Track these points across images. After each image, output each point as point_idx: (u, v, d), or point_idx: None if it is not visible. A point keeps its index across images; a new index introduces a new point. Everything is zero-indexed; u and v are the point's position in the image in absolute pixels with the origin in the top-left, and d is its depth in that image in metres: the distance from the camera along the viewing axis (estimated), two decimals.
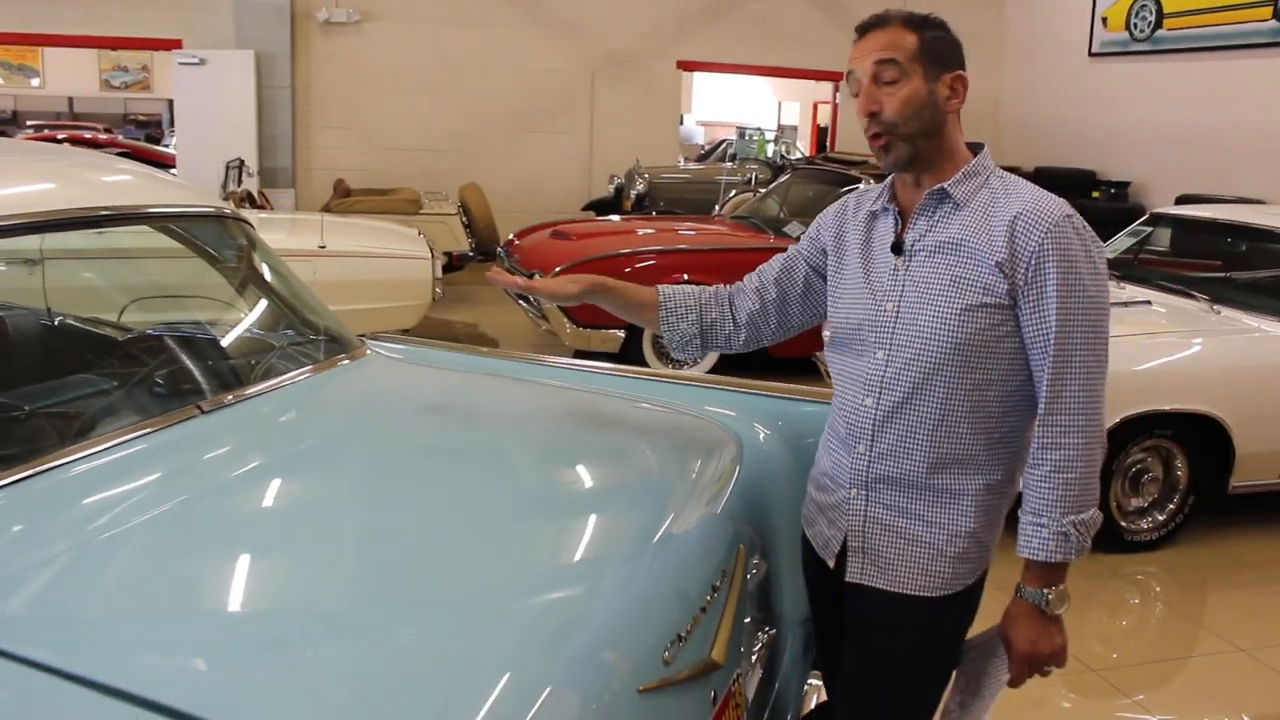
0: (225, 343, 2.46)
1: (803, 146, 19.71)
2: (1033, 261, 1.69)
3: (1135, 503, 4.55)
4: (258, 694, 1.18)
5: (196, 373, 2.21)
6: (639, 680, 1.40)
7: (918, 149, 1.77)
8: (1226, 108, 9.87)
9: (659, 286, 2.10)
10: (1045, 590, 1.74)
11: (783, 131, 20.80)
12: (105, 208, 2.36)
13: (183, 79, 10.91)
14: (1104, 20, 11.28)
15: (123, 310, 2.63)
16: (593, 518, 1.83)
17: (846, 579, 1.86)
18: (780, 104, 23.82)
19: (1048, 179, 10.61)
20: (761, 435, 2.35)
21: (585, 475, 2.05)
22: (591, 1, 11.93)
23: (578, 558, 1.67)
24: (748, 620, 1.97)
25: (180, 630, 1.32)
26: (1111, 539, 4.50)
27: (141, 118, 22.11)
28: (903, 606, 1.82)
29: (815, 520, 1.96)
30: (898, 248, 1.81)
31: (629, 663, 1.41)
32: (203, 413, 1.98)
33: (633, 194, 11.08)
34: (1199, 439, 4.47)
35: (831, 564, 1.90)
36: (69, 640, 1.26)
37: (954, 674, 1.92)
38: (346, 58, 11.30)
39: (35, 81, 21.65)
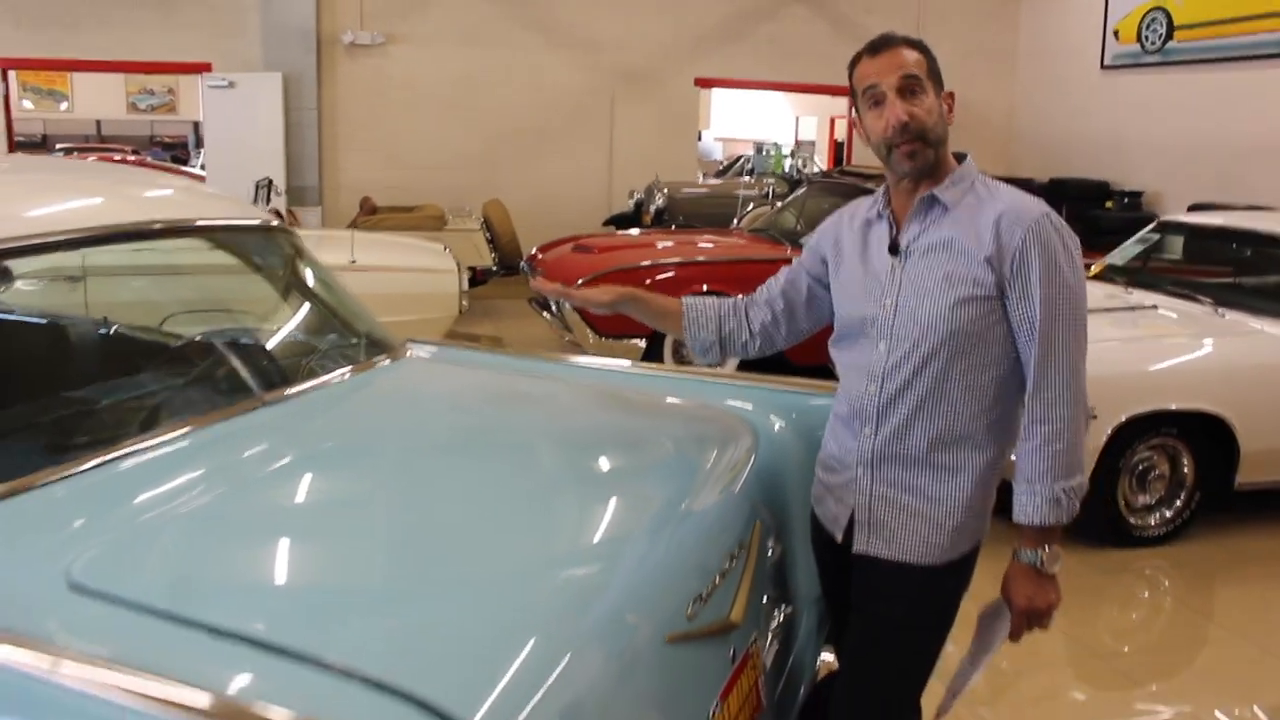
0: (284, 343, 2.66)
1: (820, 161, 19.86)
2: (1017, 255, 1.86)
3: (1143, 499, 4.66)
4: (330, 635, 1.35)
5: (257, 371, 2.40)
6: (666, 631, 1.57)
7: (937, 155, 1.94)
8: (1238, 117, 9.99)
9: (683, 298, 2.29)
10: (1039, 551, 1.91)
11: (800, 146, 20.97)
12: (159, 222, 2.57)
13: (212, 101, 11.19)
14: (1115, 33, 11.42)
15: (165, 320, 2.82)
16: (621, 496, 2.01)
17: (854, 550, 2.03)
18: (798, 119, 24.00)
19: (1062, 190, 10.79)
20: (776, 426, 2.52)
21: (613, 460, 2.22)
22: (609, 21, 12.16)
23: (611, 528, 1.85)
24: (765, 600, 2.14)
25: (265, 576, 1.51)
26: (1120, 535, 4.63)
27: (168, 139, 22.47)
28: (905, 574, 1.98)
29: (824, 499, 2.13)
30: (894, 249, 1.98)
31: (657, 616, 1.59)
32: (263, 405, 2.18)
33: (652, 209, 11.27)
34: (1204, 437, 4.59)
35: (840, 538, 2.06)
36: (175, 586, 1.44)
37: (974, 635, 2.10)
38: (371, 79, 11.57)
39: (64, 105, 22.03)
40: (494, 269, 10.09)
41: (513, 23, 11.91)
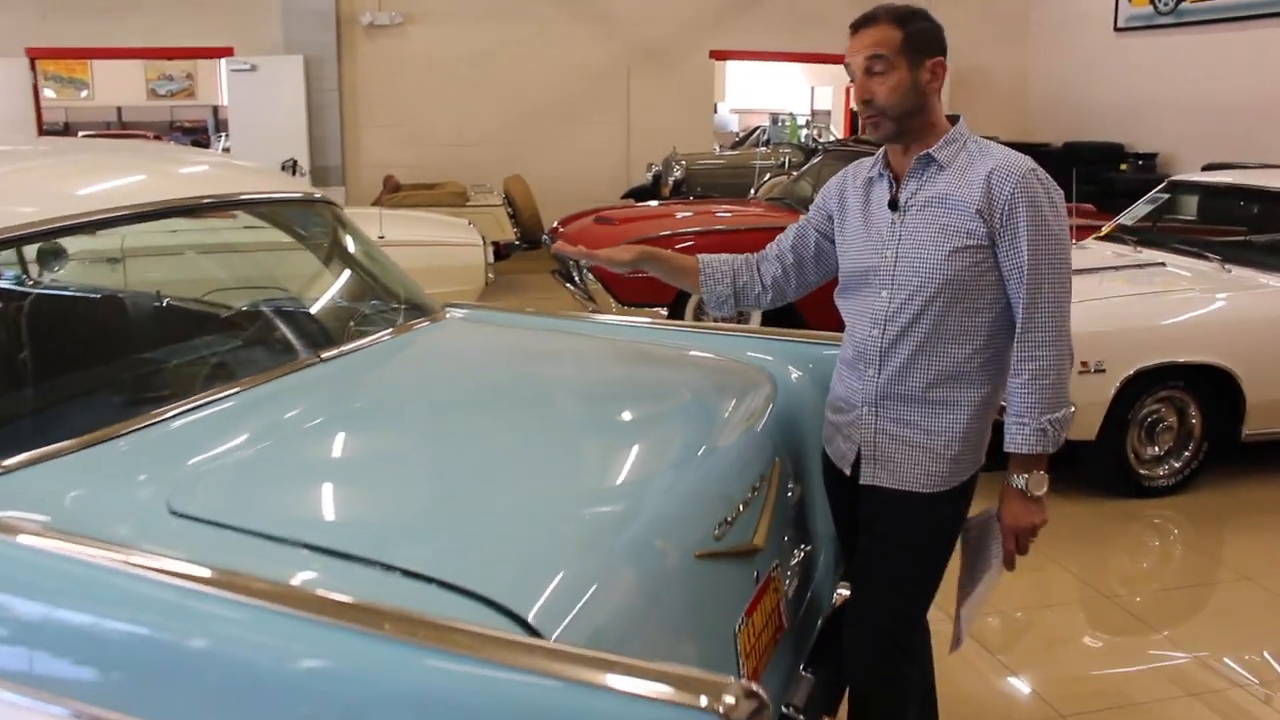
0: (329, 308, 2.85)
1: (836, 130, 19.90)
2: (1006, 207, 2.03)
3: (1152, 451, 4.81)
4: (399, 547, 1.54)
5: (305, 334, 2.59)
6: (696, 548, 1.76)
7: (901, 126, 2.11)
8: (1252, 77, 10.02)
9: (699, 255, 2.47)
10: (1026, 476, 2.10)
11: (815, 116, 20.99)
12: (208, 196, 2.74)
13: (235, 85, 11.40)
14: None
15: (213, 292, 3.01)
16: (654, 435, 2.20)
17: (860, 482, 2.21)
18: (813, 89, 23.98)
19: (1077, 153, 10.83)
20: (794, 376, 2.68)
21: (644, 405, 2.39)
22: None
23: (644, 461, 2.03)
24: (785, 532, 2.32)
25: (338, 501, 1.70)
26: (1129, 485, 4.79)
27: (187, 124, 22.66)
28: (907, 501, 2.17)
29: (834, 438, 2.31)
30: (894, 205, 2.15)
31: (689, 535, 1.77)
32: (320, 361, 2.37)
33: (670, 180, 11.40)
34: (1211, 390, 4.73)
35: (848, 472, 2.25)
36: (258, 510, 1.64)
37: (962, 551, 2.28)
38: (390, 58, 11.73)
39: (85, 93, 22.24)
40: (516, 243, 10.27)
41: None
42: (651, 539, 1.70)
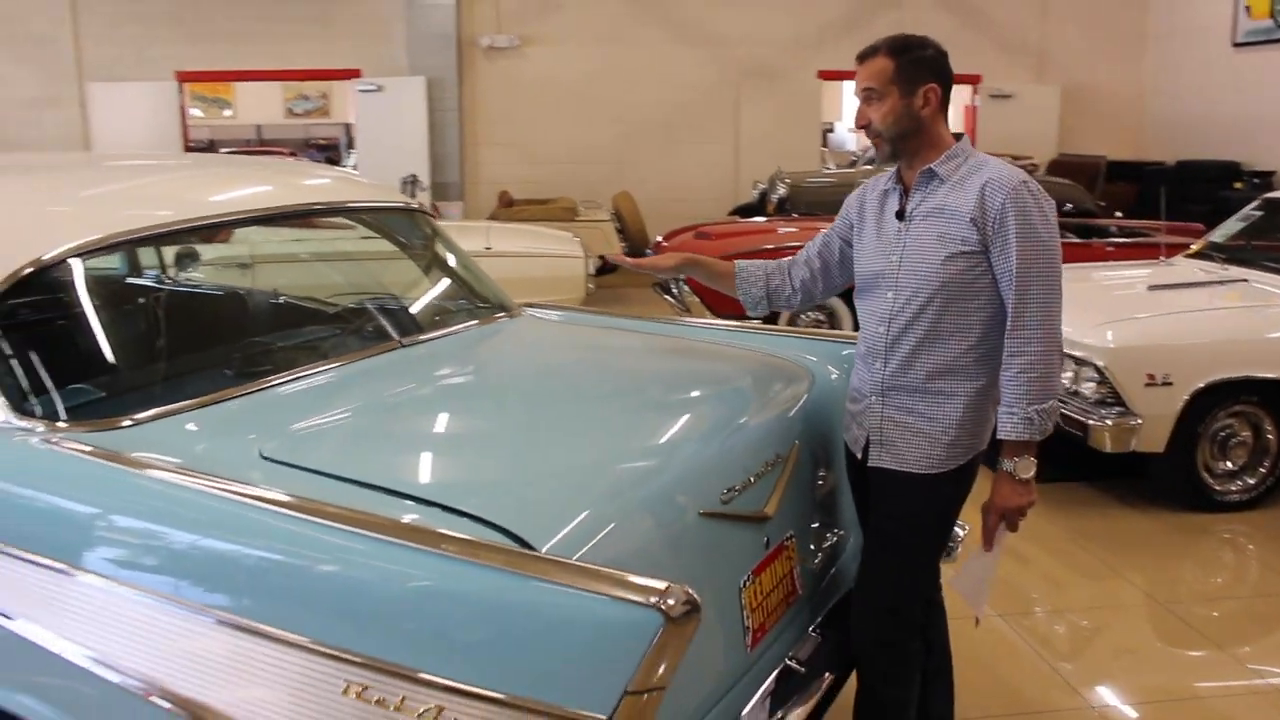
0: (420, 303, 3.23)
1: None
2: (997, 217, 2.26)
3: (1224, 466, 4.85)
4: (445, 487, 1.86)
5: (397, 323, 2.96)
6: (700, 508, 2.03)
7: (896, 148, 2.39)
8: None
9: (735, 261, 2.76)
10: (1016, 461, 2.31)
11: None
12: (319, 203, 3.15)
13: (362, 105, 12.11)
14: (1247, 8, 11.22)
15: (325, 289, 3.41)
16: (686, 412, 2.49)
17: (869, 464, 2.46)
18: None
19: (1189, 172, 10.70)
20: (834, 375, 2.93)
21: (684, 388, 2.68)
22: (735, 17, 12.57)
23: (672, 433, 2.33)
24: (805, 508, 2.56)
25: (402, 451, 2.06)
26: (1201, 499, 4.83)
27: (322, 141, 23.78)
28: (909, 481, 2.40)
29: (850, 426, 2.56)
30: (901, 214, 2.40)
31: (695, 494, 2.05)
32: (401, 346, 2.73)
33: (774, 198, 11.62)
34: None
35: (860, 456, 2.49)
36: (365, 462, 2.00)
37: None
38: (508, 79, 12.29)
39: (228, 113, 23.57)
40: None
41: (642, 21, 12.45)
42: (664, 496, 1.99)
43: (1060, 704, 3.36)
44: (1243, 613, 4.06)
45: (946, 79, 2.37)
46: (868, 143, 2.64)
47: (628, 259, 2.78)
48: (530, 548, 1.64)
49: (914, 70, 2.34)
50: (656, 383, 2.70)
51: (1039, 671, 3.54)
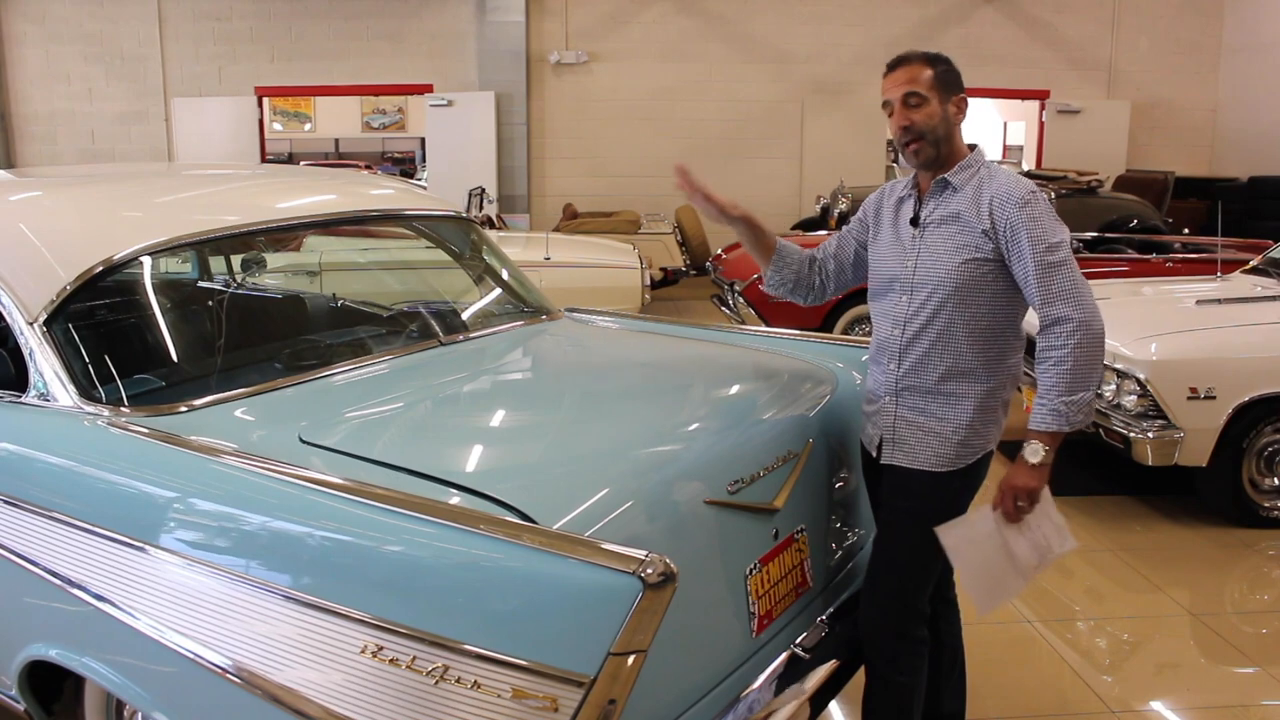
0: (466, 305, 3.43)
1: (1029, 164, 19.62)
2: (1007, 228, 2.36)
3: (1269, 482, 4.83)
4: (465, 469, 2.01)
5: (444, 323, 3.15)
6: (706, 496, 2.16)
7: (939, 151, 2.47)
8: None
9: (779, 240, 2.80)
10: (1032, 445, 2.36)
11: (1008, 151, 20.72)
12: (374, 210, 3.34)
13: (433, 119, 12.45)
14: None
15: (386, 296, 3.60)
16: (703, 407, 2.64)
17: (882, 462, 2.55)
18: (1005, 124, 23.64)
19: (1262, 189, 10.52)
20: (858, 381, 3.02)
21: (706, 386, 2.82)
22: (802, 33, 12.69)
23: (689, 426, 2.48)
24: (818, 504, 2.67)
25: (429, 436, 2.23)
26: (1247, 514, 4.81)
27: (397, 155, 24.34)
28: (920, 478, 2.50)
29: (866, 426, 2.66)
30: (915, 221, 2.50)
31: (703, 483, 2.17)
32: (441, 345, 2.90)
33: (836, 212, 11.68)
34: None
35: (875, 454, 2.59)
36: (391, 446, 2.18)
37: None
38: (575, 94, 12.55)
39: (308, 126, 24.25)
40: (685, 269, 10.79)
41: (708, 38, 12.63)
42: (673, 484, 2.12)
43: (1098, 714, 3.39)
44: None
45: (965, 95, 2.49)
46: None
47: (697, 186, 2.75)
48: (527, 518, 1.79)
49: (947, 79, 2.46)
50: (678, 380, 2.84)
51: (1078, 681, 3.58)
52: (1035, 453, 2.37)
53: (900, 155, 2.52)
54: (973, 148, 2.52)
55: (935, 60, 2.47)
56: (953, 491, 2.50)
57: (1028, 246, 2.34)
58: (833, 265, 2.77)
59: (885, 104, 2.50)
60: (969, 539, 2.48)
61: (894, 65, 2.48)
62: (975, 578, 2.55)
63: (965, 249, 2.41)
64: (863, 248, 2.72)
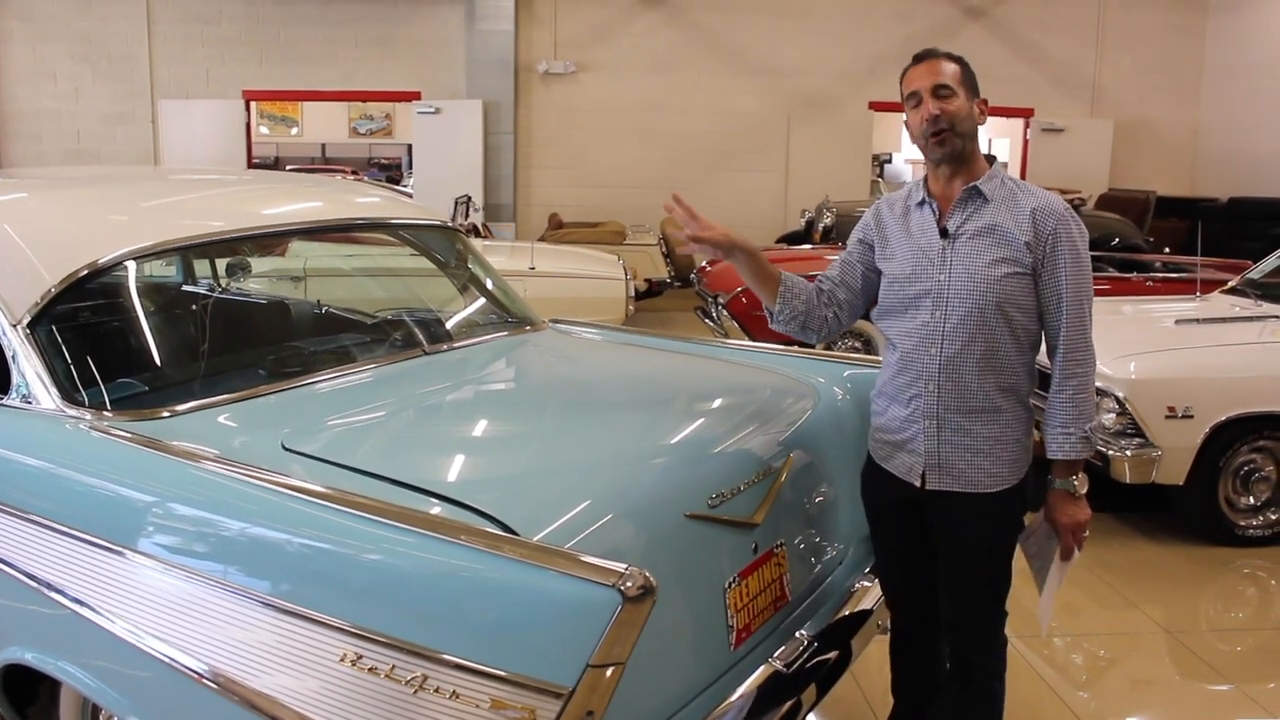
0: (449, 315, 3.43)
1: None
2: (1049, 241, 2.33)
3: (1246, 500, 4.87)
4: (444, 478, 2.02)
5: (428, 332, 3.16)
6: (687, 509, 2.17)
7: (965, 145, 2.39)
8: None
9: (782, 271, 2.63)
10: (1074, 479, 2.38)
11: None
12: (360, 218, 3.35)
13: (421, 126, 12.46)
14: None
15: (367, 302, 3.61)
16: (683, 420, 2.65)
17: (928, 488, 2.43)
18: (990, 141, 23.81)
19: (1242, 210, 10.62)
20: (839, 396, 3.04)
21: (687, 399, 2.84)
22: (789, 47, 12.76)
23: (670, 439, 2.49)
24: (798, 519, 2.68)
25: (409, 444, 2.24)
26: (1222, 533, 4.85)
27: (384, 161, 24.32)
28: (976, 502, 2.41)
29: (894, 455, 2.50)
30: (944, 233, 2.41)
31: (682, 496, 2.19)
32: (425, 354, 2.91)
33: (820, 226, 11.72)
34: None
35: (918, 483, 2.45)
36: (374, 455, 2.18)
37: (1027, 559, 2.55)
38: (563, 104, 12.59)
39: (294, 131, 24.22)
40: (669, 281, 10.81)
41: (696, 50, 12.69)
42: (653, 496, 2.14)
43: None
44: (1261, 649, 4.06)
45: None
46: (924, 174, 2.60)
47: (691, 210, 2.48)
48: (509, 529, 1.80)
49: (972, 80, 2.42)
50: (660, 394, 2.86)
51: (1054, 697, 3.60)
52: (1084, 483, 2.39)
53: (925, 146, 2.41)
54: (990, 159, 2.48)
55: (960, 59, 2.44)
56: (1014, 510, 2.47)
57: (1064, 264, 2.33)
58: (843, 294, 2.59)
59: (911, 95, 2.41)
60: (1038, 552, 2.51)
61: (920, 58, 2.43)
62: (1048, 587, 2.56)
63: (1006, 262, 2.34)
64: (870, 270, 2.57)
